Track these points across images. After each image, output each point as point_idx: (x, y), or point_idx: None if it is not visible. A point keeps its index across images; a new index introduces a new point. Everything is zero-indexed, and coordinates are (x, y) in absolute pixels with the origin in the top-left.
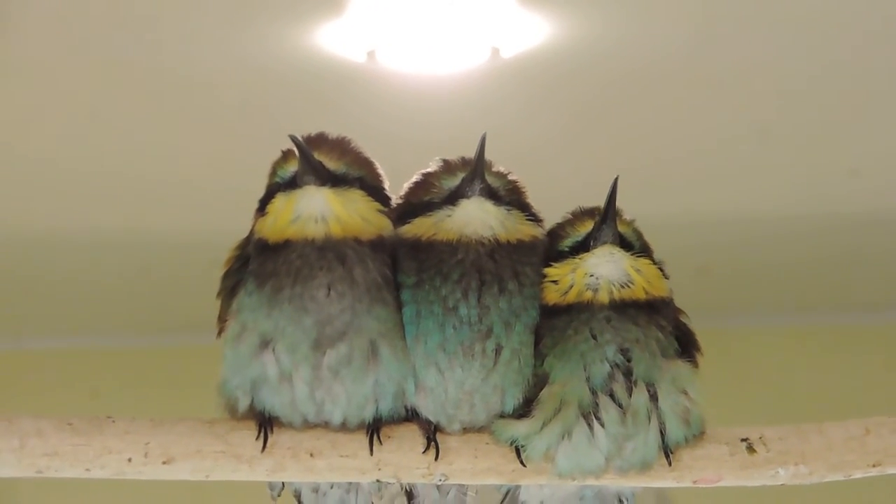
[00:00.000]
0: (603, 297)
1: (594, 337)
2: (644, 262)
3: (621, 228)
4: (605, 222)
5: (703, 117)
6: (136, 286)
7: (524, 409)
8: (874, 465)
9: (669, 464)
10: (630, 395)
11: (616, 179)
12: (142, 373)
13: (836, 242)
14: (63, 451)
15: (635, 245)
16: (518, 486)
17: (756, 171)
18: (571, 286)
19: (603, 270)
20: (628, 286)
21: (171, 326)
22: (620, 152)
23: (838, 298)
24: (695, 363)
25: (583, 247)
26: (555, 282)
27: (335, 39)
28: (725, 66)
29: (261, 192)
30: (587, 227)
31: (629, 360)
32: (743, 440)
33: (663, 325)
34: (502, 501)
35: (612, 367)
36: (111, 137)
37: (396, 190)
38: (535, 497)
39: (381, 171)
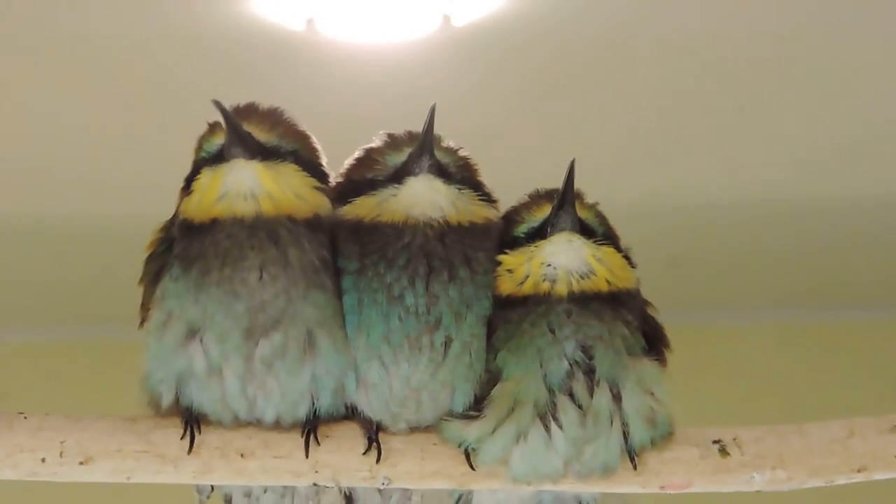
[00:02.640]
0: (561, 289)
1: (552, 331)
2: (607, 250)
3: (582, 213)
4: (562, 207)
5: (672, 90)
6: (50, 275)
7: (475, 408)
8: (859, 471)
9: (634, 468)
10: (591, 396)
11: (573, 163)
12: (54, 368)
13: (821, 229)
14: None
15: (598, 231)
16: (471, 492)
17: (731, 149)
18: (527, 276)
19: (561, 259)
20: (589, 277)
21: (87, 318)
22: (582, 128)
23: (822, 291)
24: (663, 361)
25: (539, 233)
26: (509, 271)
27: (270, 5)
28: (694, 33)
29: (185, 173)
30: (545, 211)
31: (591, 358)
32: (715, 442)
33: (629, 319)
34: None
35: (571, 364)
36: (17, 114)
37: (337, 170)
38: (489, 501)
39: (317, 144)
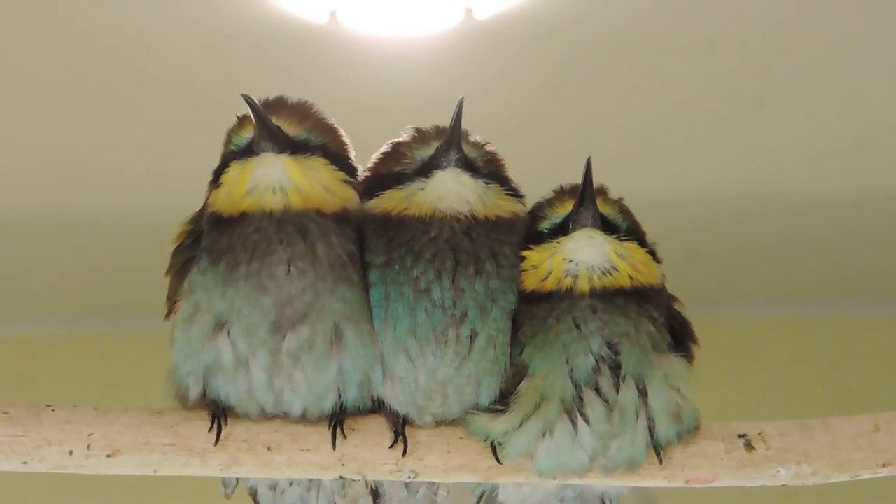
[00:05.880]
0: (583, 285)
1: (577, 327)
2: (630, 245)
3: (605, 209)
4: (582, 204)
5: (693, 83)
6: (76, 267)
7: (501, 403)
8: (884, 465)
9: (660, 462)
10: (617, 391)
11: (589, 160)
12: (80, 360)
13: (843, 221)
14: None
15: (622, 227)
16: (495, 486)
17: (752, 141)
18: (550, 272)
19: (582, 256)
20: (611, 273)
21: (114, 310)
22: (603, 120)
23: (845, 284)
24: (689, 356)
25: (562, 229)
26: (533, 266)
27: None
28: (715, 26)
29: (210, 167)
30: (567, 207)
31: (617, 354)
32: (741, 437)
33: (655, 316)
34: (478, 502)
35: (597, 360)
36: (44, 109)
37: (363, 164)
38: (514, 497)
39: (346, 138)
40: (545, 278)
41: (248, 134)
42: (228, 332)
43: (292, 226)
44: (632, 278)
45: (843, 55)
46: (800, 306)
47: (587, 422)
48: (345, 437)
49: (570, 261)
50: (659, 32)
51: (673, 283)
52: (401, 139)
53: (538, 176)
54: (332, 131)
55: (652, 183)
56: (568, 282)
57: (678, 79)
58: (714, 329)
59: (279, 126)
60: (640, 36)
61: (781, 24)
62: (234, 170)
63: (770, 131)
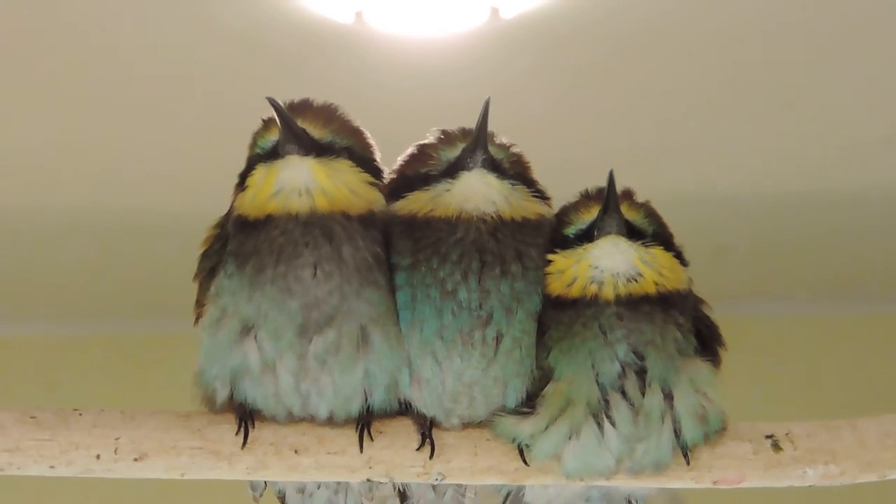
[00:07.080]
0: (607, 293)
1: (604, 334)
2: (655, 251)
3: (631, 214)
4: (606, 212)
5: (720, 80)
6: (102, 270)
7: (528, 405)
8: None
9: (687, 463)
10: (643, 396)
11: (612, 172)
12: (107, 363)
13: (872, 218)
14: (25, 447)
15: (647, 231)
16: (521, 488)
17: (780, 138)
18: (575, 279)
19: (607, 263)
20: (636, 280)
21: (140, 313)
22: (629, 119)
23: (873, 281)
24: (716, 360)
25: (588, 235)
26: (560, 271)
27: None
28: (743, 23)
29: (236, 170)
30: (592, 213)
31: (643, 360)
32: (768, 437)
33: (681, 322)
34: (504, 503)
35: (623, 366)
36: (72, 116)
37: (389, 165)
38: (541, 497)
39: (371, 140)
40: (571, 284)
41: (273, 137)
42: (255, 336)
43: (318, 228)
44: (657, 284)
45: (872, 52)
46: (828, 304)
47: (613, 424)
48: (372, 439)
49: (596, 268)
50: (685, 30)
51: (700, 280)
52: (427, 141)
53: (562, 173)
54: (357, 133)
55: (678, 180)
56: (593, 289)
57: (703, 76)
58: (741, 327)
59: (304, 128)
60: (667, 34)
61: (809, 20)
62: (260, 173)
63: (798, 128)
